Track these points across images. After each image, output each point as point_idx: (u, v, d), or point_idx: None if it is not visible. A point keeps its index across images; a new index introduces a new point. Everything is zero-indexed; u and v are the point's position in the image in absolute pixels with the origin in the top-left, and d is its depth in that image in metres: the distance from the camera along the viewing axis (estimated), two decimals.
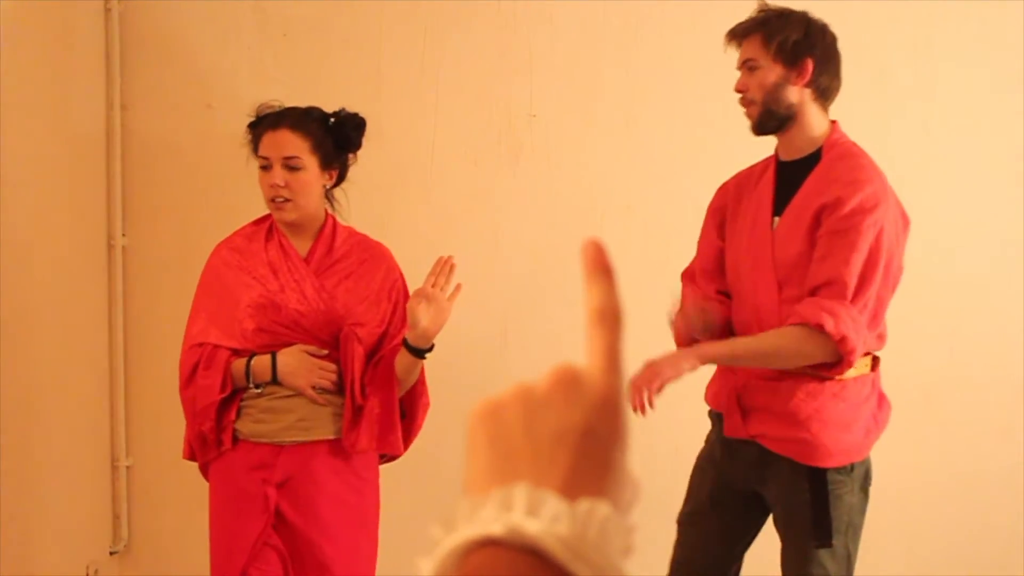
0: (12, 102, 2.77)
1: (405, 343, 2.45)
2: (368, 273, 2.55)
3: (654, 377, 2.28)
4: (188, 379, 2.46)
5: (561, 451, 0.51)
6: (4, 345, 2.73)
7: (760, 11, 2.41)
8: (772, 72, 2.34)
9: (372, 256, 2.59)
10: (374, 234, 3.28)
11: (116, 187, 3.20)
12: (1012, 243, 3.31)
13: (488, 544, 0.47)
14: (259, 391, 2.45)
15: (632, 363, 3.14)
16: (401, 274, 2.61)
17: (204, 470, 2.56)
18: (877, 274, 2.27)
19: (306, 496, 2.47)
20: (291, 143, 2.43)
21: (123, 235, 3.22)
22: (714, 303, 2.51)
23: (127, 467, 3.27)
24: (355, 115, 2.55)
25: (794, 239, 2.34)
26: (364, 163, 3.29)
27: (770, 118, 2.37)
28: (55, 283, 3.01)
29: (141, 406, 3.24)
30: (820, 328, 2.21)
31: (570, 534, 0.47)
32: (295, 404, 2.46)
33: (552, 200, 3.34)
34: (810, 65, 2.34)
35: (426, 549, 0.49)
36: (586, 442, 0.51)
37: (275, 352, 2.44)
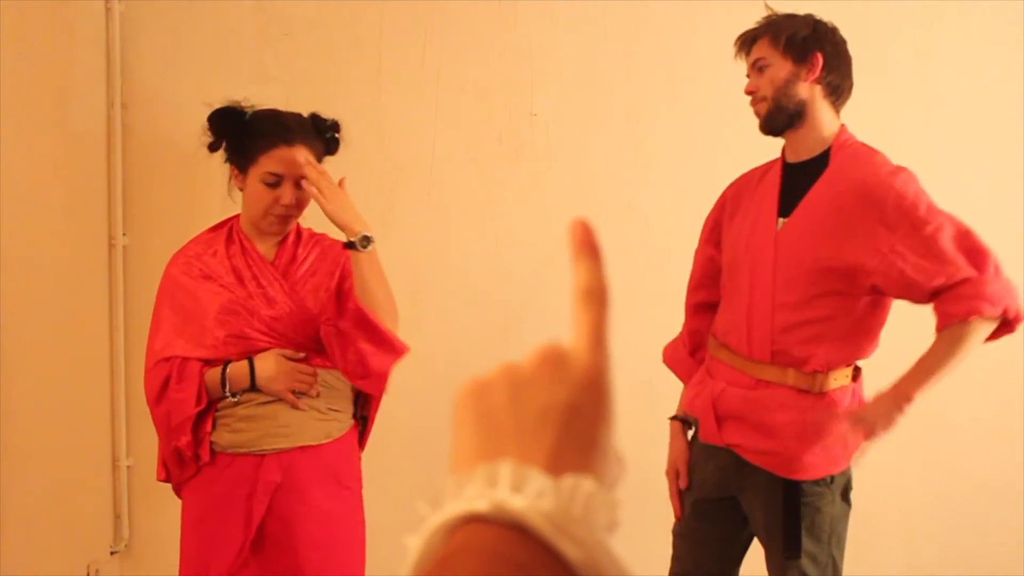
0: (12, 101, 2.78)
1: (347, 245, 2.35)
2: (328, 267, 2.49)
3: (869, 434, 2.30)
4: (159, 395, 2.37)
5: (546, 428, 0.51)
6: (5, 344, 2.74)
7: (766, 18, 2.42)
8: (782, 69, 2.34)
9: (329, 251, 2.51)
10: (375, 232, 3.29)
11: (117, 186, 3.20)
12: (1012, 243, 3.30)
13: (473, 520, 0.47)
14: (236, 400, 2.36)
15: (629, 353, 3.15)
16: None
17: (178, 489, 2.48)
18: (970, 232, 2.27)
19: (288, 506, 2.38)
20: (304, 160, 2.35)
21: (124, 234, 3.22)
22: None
23: (128, 467, 3.27)
24: (336, 122, 2.49)
25: (807, 241, 2.32)
26: (365, 162, 3.30)
27: (779, 113, 2.35)
28: (55, 282, 3.02)
29: (142, 406, 3.22)
30: (981, 316, 2.23)
31: (555, 510, 0.47)
32: (274, 410, 2.38)
33: (552, 199, 3.35)
34: (820, 59, 2.33)
35: (413, 526, 0.50)
36: (571, 419, 0.52)
37: (252, 357, 2.36)
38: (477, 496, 0.48)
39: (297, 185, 2.36)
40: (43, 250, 2.95)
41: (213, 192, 3.16)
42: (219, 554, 2.36)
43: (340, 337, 2.38)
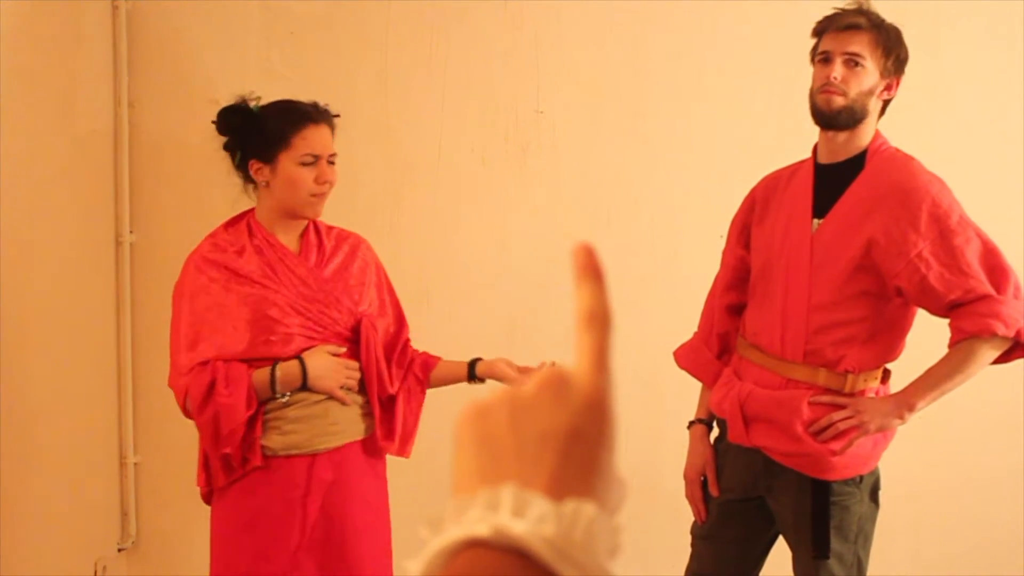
0: (19, 99, 2.78)
1: (472, 368, 2.54)
2: (355, 263, 2.51)
3: (857, 428, 2.32)
4: (204, 401, 2.26)
5: (548, 452, 0.51)
6: (12, 343, 2.74)
7: (859, 10, 2.37)
8: (873, 76, 2.34)
9: (352, 246, 2.53)
10: (382, 231, 3.30)
11: (123, 184, 3.20)
12: (1016, 241, 3.29)
13: (474, 545, 0.47)
14: (285, 400, 2.32)
15: (635, 352, 3.15)
16: (378, 259, 2.60)
17: (209, 496, 2.41)
18: (996, 251, 2.30)
19: (339, 502, 2.39)
20: (331, 139, 2.39)
21: (131, 232, 3.22)
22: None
23: (135, 464, 3.28)
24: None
25: (843, 241, 2.33)
26: (372, 160, 3.30)
27: (849, 115, 2.34)
28: (62, 280, 3.02)
29: (149, 403, 3.25)
30: (993, 335, 2.26)
31: (556, 535, 0.47)
32: (324, 409, 2.37)
33: (559, 197, 3.34)
34: (897, 84, 2.38)
35: (414, 550, 0.49)
36: (573, 443, 0.51)
37: (301, 356, 2.33)
38: (478, 520, 0.48)
39: (330, 164, 2.38)
40: (50, 248, 2.96)
41: (220, 190, 3.16)
42: (274, 558, 2.33)
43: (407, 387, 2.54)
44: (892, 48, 2.35)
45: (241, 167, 2.42)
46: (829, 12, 2.40)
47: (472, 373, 2.53)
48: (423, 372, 2.56)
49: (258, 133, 2.37)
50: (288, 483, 2.34)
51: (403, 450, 2.54)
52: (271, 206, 2.41)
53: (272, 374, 2.30)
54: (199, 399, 2.27)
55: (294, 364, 2.32)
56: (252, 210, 2.46)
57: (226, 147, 2.43)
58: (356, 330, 2.44)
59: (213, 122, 2.43)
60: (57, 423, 2.98)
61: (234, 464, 2.31)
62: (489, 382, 2.53)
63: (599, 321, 0.56)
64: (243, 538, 2.35)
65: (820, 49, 2.39)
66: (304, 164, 2.34)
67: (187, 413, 2.35)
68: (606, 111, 3.36)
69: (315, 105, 2.41)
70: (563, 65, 3.33)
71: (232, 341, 2.31)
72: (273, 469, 2.33)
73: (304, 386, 2.33)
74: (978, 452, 3.44)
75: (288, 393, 2.32)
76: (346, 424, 2.41)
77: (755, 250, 2.53)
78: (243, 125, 2.38)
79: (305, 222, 2.45)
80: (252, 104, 2.40)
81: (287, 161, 2.34)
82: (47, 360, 2.94)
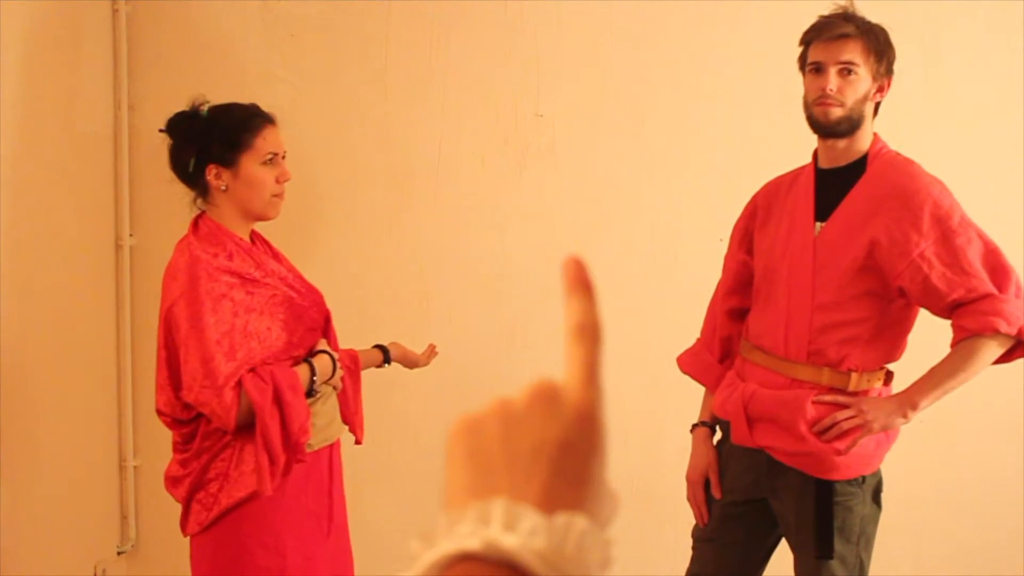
0: (20, 102, 2.78)
1: (387, 354, 2.64)
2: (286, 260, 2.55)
3: (861, 427, 2.32)
4: (272, 405, 2.21)
5: (539, 465, 0.51)
6: (12, 345, 2.74)
7: (845, 16, 2.36)
8: (866, 82, 2.35)
9: (271, 245, 2.55)
10: (382, 234, 3.30)
11: (123, 187, 3.21)
12: (1016, 241, 3.28)
13: (466, 559, 0.47)
14: (321, 395, 2.38)
15: (636, 355, 3.15)
16: None
17: (213, 522, 2.32)
18: (997, 251, 2.31)
19: (338, 493, 2.47)
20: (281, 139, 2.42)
21: (130, 235, 3.23)
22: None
23: (135, 467, 3.28)
24: None
25: (845, 242, 2.35)
26: (372, 162, 3.30)
27: (848, 123, 2.35)
28: (62, 283, 3.02)
29: (149, 406, 3.23)
30: (996, 333, 2.27)
31: (547, 548, 0.47)
32: (334, 399, 2.46)
33: (559, 200, 3.34)
34: (888, 85, 2.39)
35: (405, 564, 0.49)
36: (564, 456, 0.51)
37: (327, 350, 2.41)
38: (469, 534, 0.47)
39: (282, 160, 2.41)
40: (50, 251, 2.96)
41: None
42: (313, 555, 2.36)
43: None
44: (883, 52, 2.36)
45: (195, 174, 2.37)
46: (823, 16, 2.39)
47: (387, 358, 2.64)
48: (354, 365, 2.57)
49: (218, 137, 2.34)
50: (320, 477, 2.40)
51: (361, 436, 2.59)
52: (230, 211, 2.37)
53: (312, 370, 2.35)
54: (266, 404, 2.21)
55: (325, 358, 2.39)
56: (204, 217, 2.38)
57: (178, 155, 2.38)
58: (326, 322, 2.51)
59: (161, 130, 2.39)
60: (57, 426, 2.98)
61: (292, 462, 2.28)
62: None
63: (589, 334, 0.56)
64: (285, 541, 2.31)
65: (810, 59, 2.39)
66: (266, 164, 2.35)
67: (225, 422, 2.23)
68: (605, 114, 3.35)
69: (258, 106, 2.42)
70: (563, 68, 3.33)
71: (270, 343, 2.30)
72: (308, 465, 2.35)
73: (329, 378, 2.41)
74: (979, 453, 3.44)
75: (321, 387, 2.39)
76: (337, 411, 2.49)
77: (758, 254, 2.54)
78: (200, 130, 2.35)
79: (252, 225, 2.43)
80: (201, 109, 2.37)
81: (249, 163, 2.34)
82: (47, 363, 2.94)
